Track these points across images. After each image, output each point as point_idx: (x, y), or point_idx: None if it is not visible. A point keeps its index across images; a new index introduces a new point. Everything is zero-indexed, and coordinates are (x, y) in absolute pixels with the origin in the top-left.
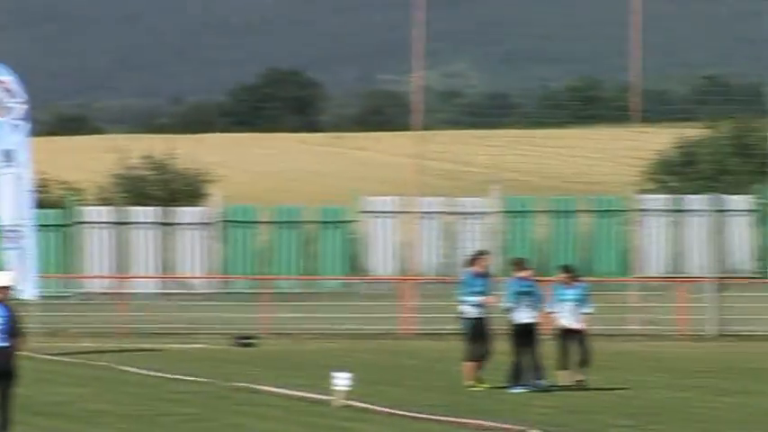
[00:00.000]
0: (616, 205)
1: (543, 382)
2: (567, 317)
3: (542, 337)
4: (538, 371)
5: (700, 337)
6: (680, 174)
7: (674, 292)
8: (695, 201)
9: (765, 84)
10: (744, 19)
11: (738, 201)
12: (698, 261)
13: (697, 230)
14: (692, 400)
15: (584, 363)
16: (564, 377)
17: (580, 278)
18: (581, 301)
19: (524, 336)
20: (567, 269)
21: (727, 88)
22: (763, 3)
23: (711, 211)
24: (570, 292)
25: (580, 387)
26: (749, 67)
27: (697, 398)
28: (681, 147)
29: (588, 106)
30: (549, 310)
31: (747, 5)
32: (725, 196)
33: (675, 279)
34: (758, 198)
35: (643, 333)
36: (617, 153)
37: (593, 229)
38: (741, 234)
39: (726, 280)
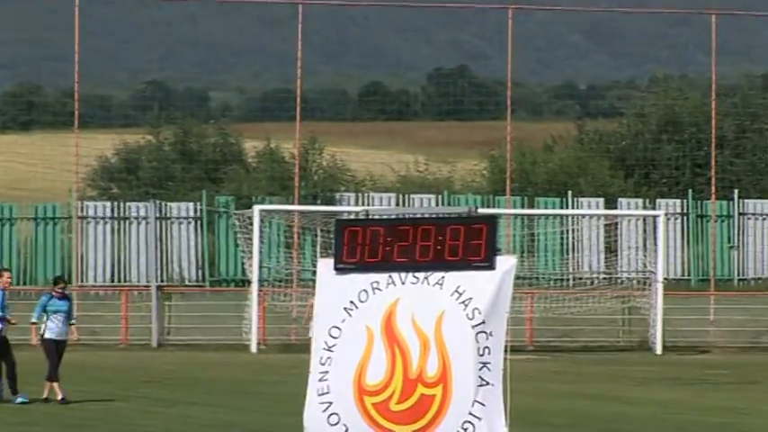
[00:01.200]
0: (57, 212)
1: (21, 396)
2: (55, 328)
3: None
4: (12, 383)
5: (143, 347)
6: (122, 180)
7: (117, 300)
8: (138, 208)
9: (209, 88)
10: (185, 21)
11: (181, 207)
12: (141, 269)
13: (140, 238)
14: (134, 411)
15: (56, 377)
16: (50, 388)
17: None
18: (71, 312)
19: None
20: (59, 280)
21: (170, 93)
22: (201, 6)
23: (154, 218)
24: (61, 303)
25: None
26: (192, 72)
27: (141, 409)
28: (122, 153)
29: (28, 112)
30: (35, 320)
31: (184, 8)
32: (168, 203)
33: (118, 288)
34: (202, 204)
35: (86, 343)
36: (58, 159)
37: (35, 237)
38: (184, 241)
39: (168, 288)
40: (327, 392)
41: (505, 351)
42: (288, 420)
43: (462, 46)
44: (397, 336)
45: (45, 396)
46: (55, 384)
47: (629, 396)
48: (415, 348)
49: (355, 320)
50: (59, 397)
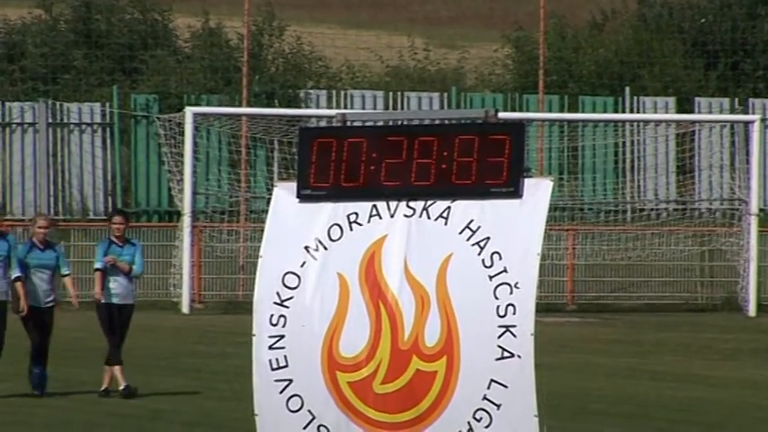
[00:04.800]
0: None
1: None
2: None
3: None
4: None
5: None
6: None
7: None
8: (22, 110)
9: None
10: None
11: (84, 110)
12: (26, 196)
13: (25, 152)
14: (18, 395)
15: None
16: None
17: None
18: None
19: None
20: (119, 213)
21: None
22: None
23: (45, 124)
24: (118, 250)
25: None
26: None
27: (28, 392)
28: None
29: None
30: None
31: None
32: (65, 104)
33: None
34: (112, 106)
35: None
36: None
37: None
38: (87, 158)
39: (66, 224)
40: (285, 366)
41: (537, 311)
42: (234, 406)
43: None
44: (384, 289)
45: (104, 387)
46: (116, 369)
47: (710, 375)
48: (408, 307)
49: (322, 266)
50: (122, 386)
